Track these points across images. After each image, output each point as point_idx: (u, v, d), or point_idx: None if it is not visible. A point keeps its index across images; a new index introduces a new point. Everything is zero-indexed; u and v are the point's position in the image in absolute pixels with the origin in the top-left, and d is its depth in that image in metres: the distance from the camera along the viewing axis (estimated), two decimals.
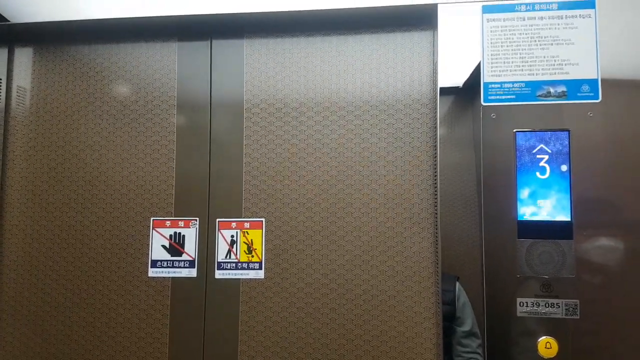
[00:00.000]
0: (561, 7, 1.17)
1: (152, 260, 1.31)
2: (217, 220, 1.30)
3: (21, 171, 1.38)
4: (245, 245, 1.29)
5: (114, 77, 1.37)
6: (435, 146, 1.20)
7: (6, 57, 1.39)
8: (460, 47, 1.19)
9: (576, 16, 1.16)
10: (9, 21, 1.32)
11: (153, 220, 1.32)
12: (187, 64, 1.35)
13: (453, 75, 1.20)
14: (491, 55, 1.18)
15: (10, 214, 1.37)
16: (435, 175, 1.20)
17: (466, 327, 1.18)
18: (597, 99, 1.14)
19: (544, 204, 1.14)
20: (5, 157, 1.38)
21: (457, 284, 1.18)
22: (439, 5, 1.19)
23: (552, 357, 1.11)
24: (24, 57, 1.40)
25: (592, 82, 1.14)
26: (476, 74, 1.19)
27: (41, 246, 1.35)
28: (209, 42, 1.34)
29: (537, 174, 1.14)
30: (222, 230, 1.29)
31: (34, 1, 1.32)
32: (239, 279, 1.28)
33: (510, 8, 1.18)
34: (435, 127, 1.20)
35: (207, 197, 1.31)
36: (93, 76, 1.38)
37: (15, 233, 1.36)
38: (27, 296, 1.34)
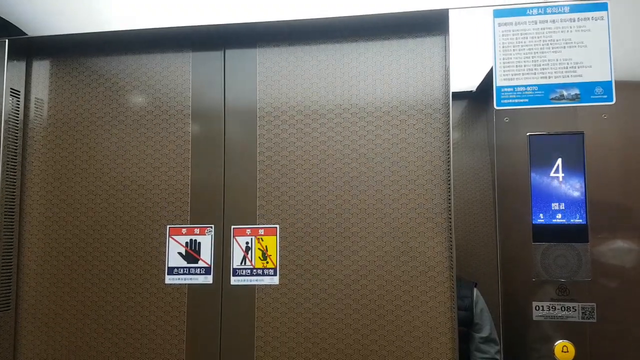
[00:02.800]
0: (573, 9, 1.17)
1: (168, 267, 1.33)
2: (232, 227, 1.31)
3: (40, 181, 1.40)
4: (260, 252, 1.30)
5: (130, 88, 1.40)
6: (449, 150, 1.20)
7: (24, 70, 1.42)
8: (472, 52, 1.19)
9: (588, 19, 1.16)
10: (27, 34, 1.35)
11: (169, 227, 1.34)
12: (201, 73, 1.36)
13: (465, 79, 1.20)
14: (503, 59, 1.18)
15: (29, 223, 1.40)
16: (449, 180, 1.20)
17: (484, 333, 1.18)
18: (611, 101, 1.13)
19: (558, 207, 1.13)
20: (24, 168, 1.41)
21: (475, 289, 1.18)
22: (450, 11, 1.20)
23: None
24: (41, 70, 1.43)
25: (606, 84, 1.14)
26: (489, 78, 1.19)
27: (59, 254, 1.38)
28: (222, 51, 1.36)
29: (552, 177, 1.14)
30: (237, 237, 1.31)
31: (50, 15, 1.35)
32: (254, 285, 1.29)
33: (522, 12, 1.18)
34: (449, 132, 1.21)
35: (222, 204, 1.32)
36: (109, 87, 1.40)
37: (34, 242, 1.39)
38: (46, 304, 1.37)
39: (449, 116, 1.20)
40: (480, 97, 1.19)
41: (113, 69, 1.41)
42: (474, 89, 1.20)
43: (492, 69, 1.18)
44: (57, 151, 1.41)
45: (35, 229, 1.39)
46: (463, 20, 1.20)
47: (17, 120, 1.40)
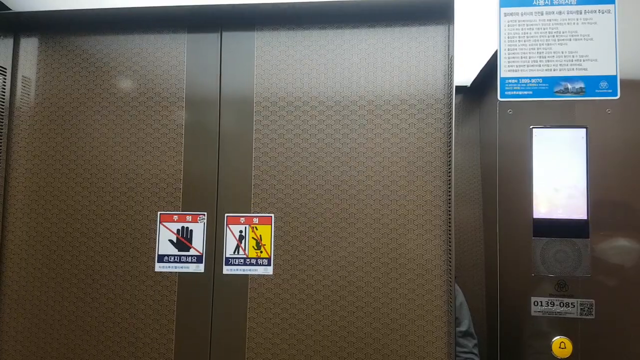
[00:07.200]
0: (580, 2, 1.15)
1: (158, 255, 1.29)
2: (226, 215, 1.28)
3: (26, 163, 1.35)
4: (254, 241, 1.26)
5: (122, 68, 1.35)
6: (450, 144, 1.18)
7: (11, 46, 1.36)
8: (476, 42, 1.17)
9: (595, 11, 1.14)
10: (10, 9, 1.29)
11: (160, 214, 1.30)
12: (197, 55, 1.32)
13: (467, 70, 1.17)
14: (508, 50, 1.16)
15: (15, 206, 1.35)
16: (450, 174, 1.18)
17: (463, 327, 1.17)
18: (616, 95, 1.12)
19: (560, 202, 1.12)
20: (10, 149, 1.36)
21: (455, 284, 1.17)
22: None
23: (566, 357, 1.09)
24: (29, 47, 1.38)
25: (611, 79, 1.12)
26: (489, 69, 1.17)
27: (45, 239, 1.33)
28: (219, 33, 1.32)
29: (554, 171, 1.12)
30: (230, 226, 1.27)
31: None
32: (247, 274, 1.26)
33: (528, 2, 1.16)
34: (450, 124, 1.18)
35: (215, 192, 1.28)
36: (100, 67, 1.35)
37: (19, 225, 1.34)
38: (31, 290, 1.32)
39: (451, 107, 1.18)
40: (479, 89, 1.17)
41: (105, 48, 1.35)
42: (473, 80, 1.17)
43: (491, 60, 1.16)
44: (44, 132, 1.35)
45: (20, 212, 1.34)
46: (468, 8, 1.17)
47: (3, 99, 1.34)
